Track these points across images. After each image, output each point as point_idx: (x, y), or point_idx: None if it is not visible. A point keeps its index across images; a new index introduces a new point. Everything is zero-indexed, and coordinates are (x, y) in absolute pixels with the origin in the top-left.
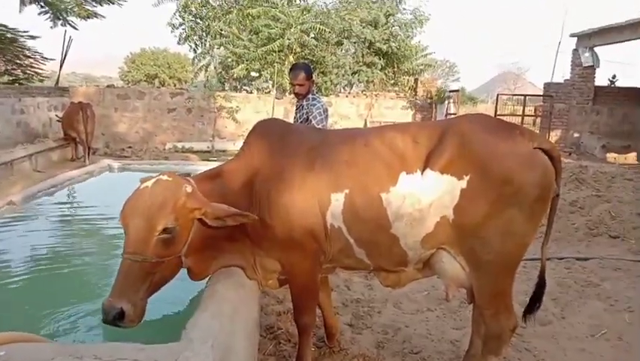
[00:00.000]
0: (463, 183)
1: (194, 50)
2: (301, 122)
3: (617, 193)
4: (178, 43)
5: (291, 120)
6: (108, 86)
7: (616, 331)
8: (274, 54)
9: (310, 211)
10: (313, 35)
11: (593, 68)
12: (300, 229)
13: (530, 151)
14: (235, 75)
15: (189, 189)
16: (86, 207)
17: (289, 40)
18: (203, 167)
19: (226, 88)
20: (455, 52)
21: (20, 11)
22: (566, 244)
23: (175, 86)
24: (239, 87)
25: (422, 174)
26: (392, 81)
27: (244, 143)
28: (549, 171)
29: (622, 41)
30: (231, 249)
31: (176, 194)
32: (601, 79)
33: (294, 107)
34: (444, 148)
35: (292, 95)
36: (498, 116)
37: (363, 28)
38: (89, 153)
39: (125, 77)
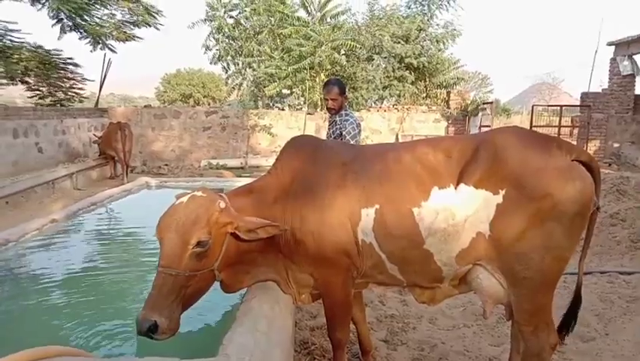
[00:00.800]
0: (499, 198)
1: (227, 69)
2: (334, 137)
3: None
4: (210, 63)
5: (323, 135)
6: (145, 106)
7: None
8: (305, 71)
9: (341, 227)
10: (344, 52)
11: (632, 77)
12: (332, 245)
13: (568, 164)
14: (268, 93)
15: (222, 204)
16: (126, 223)
17: (320, 57)
18: (238, 183)
19: (259, 105)
20: (488, 63)
21: (59, 38)
22: (607, 257)
23: (209, 104)
24: (271, 104)
25: (456, 188)
26: (424, 95)
27: (277, 159)
28: (588, 184)
29: None
30: (264, 263)
31: (209, 209)
32: None
33: (327, 123)
34: (478, 162)
35: (324, 111)
36: (534, 128)
37: (394, 43)
38: (127, 171)
39: (161, 97)
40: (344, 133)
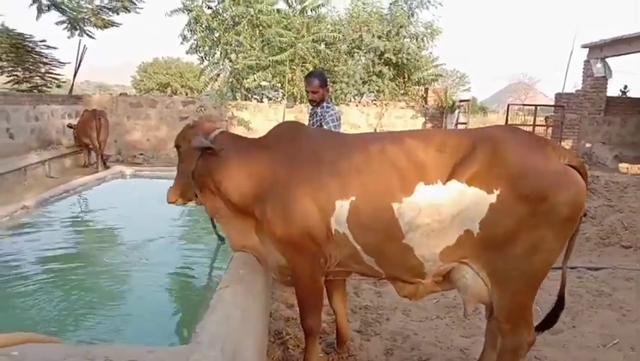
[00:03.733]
0: (493, 198)
1: (204, 59)
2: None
3: (630, 203)
4: (187, 53)
5: None
6: (121, 95)
7: (628, 341)
8: (285, 64)
9: (309, 214)
10: (324, 45)
11: (604, 79)
12: (298, 230)
13: (564, 168)
14: (247, 85)
15: (192, 124)
16: (98, 212)
17: (301, 50)
18: None
19: (237, 97)
20: (466, 62)
21: (37, 19)
22: (577, 253)
23: (187, 94)
24: (250, 96)
25: (445, 184)
26: (402, 91)
27: (263, 137)
28: (582, 190)
29: (632, 52)
30: (240, 224)
31: (185, 129)
32: (614, 89)
33: (308, 115)
34: (473, 159)
35: (303, 104)
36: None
37: (374, 38)
38: (101, 160)
39: (137, 86)
40: (323, 124)
